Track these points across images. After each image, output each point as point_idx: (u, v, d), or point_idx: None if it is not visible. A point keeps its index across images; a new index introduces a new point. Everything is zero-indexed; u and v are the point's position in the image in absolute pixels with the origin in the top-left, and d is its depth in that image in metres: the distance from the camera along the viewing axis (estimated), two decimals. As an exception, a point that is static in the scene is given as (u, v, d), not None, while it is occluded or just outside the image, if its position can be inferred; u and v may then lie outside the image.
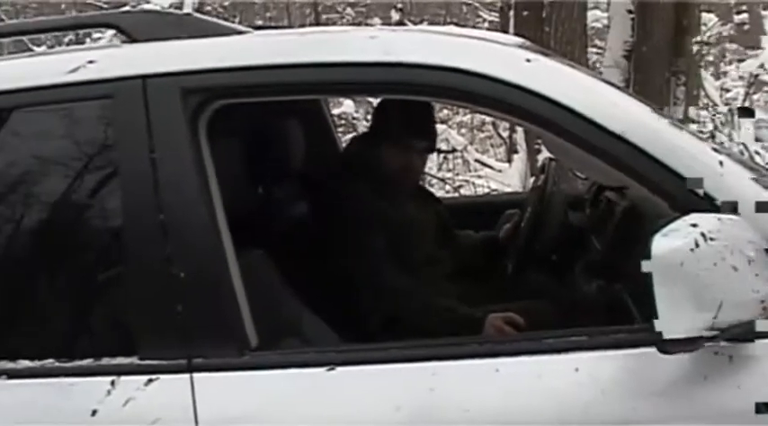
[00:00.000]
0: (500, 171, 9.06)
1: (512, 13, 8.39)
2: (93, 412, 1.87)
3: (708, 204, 1.79)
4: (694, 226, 1.67)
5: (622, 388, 1.78)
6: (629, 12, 7.40)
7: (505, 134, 11.27)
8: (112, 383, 1.89)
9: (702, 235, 1.65)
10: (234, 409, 1.85)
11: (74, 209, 2.02)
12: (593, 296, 2.67)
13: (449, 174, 9.68)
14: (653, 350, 1.75)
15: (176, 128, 1.95)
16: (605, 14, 10.74)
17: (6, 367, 1.95)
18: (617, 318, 2.22)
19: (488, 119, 13.06)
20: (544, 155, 7.65)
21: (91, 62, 2.02)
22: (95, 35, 9.41)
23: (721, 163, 1.85)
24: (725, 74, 13.23)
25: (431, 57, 1.91)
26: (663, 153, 1.84)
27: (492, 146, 12.98)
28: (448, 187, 9.10)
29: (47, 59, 2.16)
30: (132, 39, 2.08)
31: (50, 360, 1.94)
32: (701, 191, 1.80)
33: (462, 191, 8.95)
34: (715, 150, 1.90)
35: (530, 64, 1.93)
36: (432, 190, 3.79)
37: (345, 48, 1.99)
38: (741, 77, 11.95)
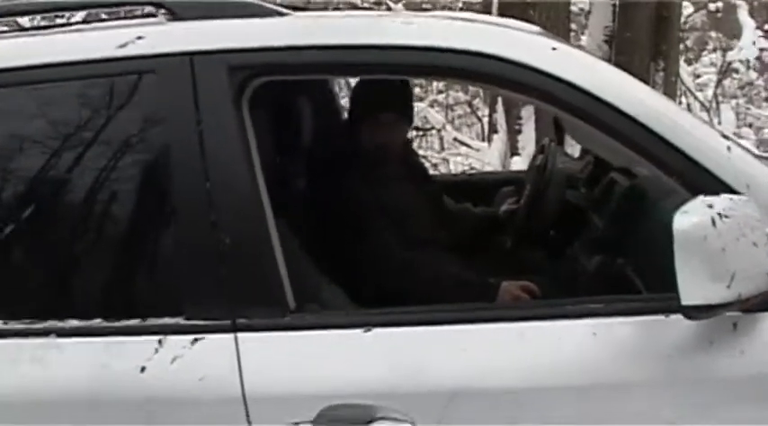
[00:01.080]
0: (478, 150, 9.20)
1: (495, -5, 8.50)
2: (142, 369, 1.98)
3: (718, 186, 1.94)
4: (710, 205, 1.82)
5: (635, 351, 1.94)
6: (611, -3, 7.58)
7: (480, 113, 11.44)
8: (160, 342, 2.00)
9: (718, 213, 1.80)
10: (277, 367, 1.97)
11: (125, 177, 2.12)
12: (596, 270, 2.82)
13: (427, 152, 9.82)
14: (665, 316, 1.92)
15: (222, 102, 2.06)
16: (582, -1, 10.91)
17: (56, 326, 2.05)
18: (619, 291, 2.38)
19: (463, 98, 13.25)
20: (524, 135, 7.83)
21: (139, 38, 2.12)
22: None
23: (729, 148, 2.01)
24: (697, 60, 13.45)
25: (465, 43, 2.04)
26: (677, 138, 1.99)
27: (466, 125, 13.15)
28: (426, 164, 9.22)
29: (93, 35, 2.24)
30: (176, 17, 2.18)
31: (98, 320, 2.05)
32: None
33: (440, 169, 9.11)
34: (724, 136, 2.06)
35: (555, 52, 2.07)
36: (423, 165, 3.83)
37: (382, 31, 2.11)
38: (713, 64, 12.19)
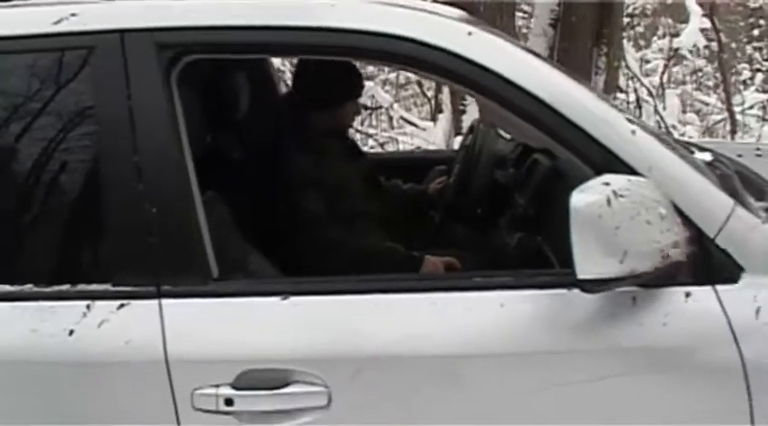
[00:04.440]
0: (424, 129, 9.32)
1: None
2: (71, 332, 2.07)
3: (622, 167, 2.06)
4: (606, 184, 1.94)
5: (540, 322, 2.05)
6: (557, -19, 7.66)
7: (429, 94, 11.53)
8: (88, 307, 2.09)
9: (614, 192, 1.92)
10: (198, 332, 2.07)
11: (58, 148, 2.20)
12: (516, 246, 2.94)
13: (374, 130, 9.91)
14: (568, 290, 2.04)
15: (151, 78, 2.15)
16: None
17: None
18: (537, 266, 2.49)
19: (413, 78, 13.32)
20: (469, 115, 7.94)
21: (73, 15, 2.20)
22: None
23: (633, 132, 2.12)
24: (648, 46, 13.63)
25: (384, 26, 2.15)
26: (583, 120, 2.10)
27: (415, 104, 13.24)
28: (372, 142, 9.33)
29: (29, 10, 2.31)
30: (110, -5, 2.26)
31: (29, 285, 2.14)
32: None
33: (388, 147, 9.20)
34: (629, 120, 2.17)
35: (471, 36, 2.17)
36: (356, 142, 3.94)
37: (307, 13, 2.20)
38: (661, 50, 12.37)
